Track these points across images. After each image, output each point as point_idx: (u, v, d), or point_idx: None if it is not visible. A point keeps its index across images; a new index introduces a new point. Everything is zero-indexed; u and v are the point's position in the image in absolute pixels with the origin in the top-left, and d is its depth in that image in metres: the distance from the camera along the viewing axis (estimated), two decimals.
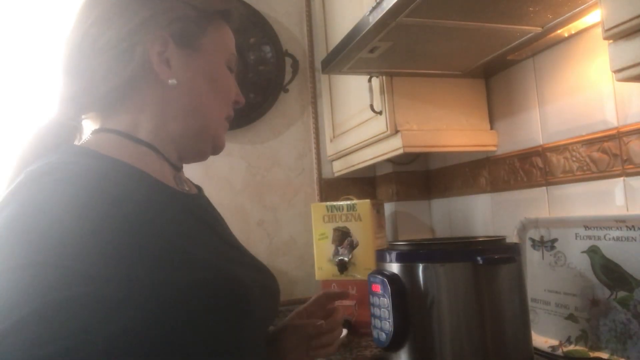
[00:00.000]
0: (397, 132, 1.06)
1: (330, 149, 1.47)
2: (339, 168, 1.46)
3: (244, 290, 0.52)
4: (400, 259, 0.76)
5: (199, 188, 0.74)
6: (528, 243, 1.03)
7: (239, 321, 0.51)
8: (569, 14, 0.81)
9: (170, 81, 0.58)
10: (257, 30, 1.44)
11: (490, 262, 0.70)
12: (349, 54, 0.90)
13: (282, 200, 1.47)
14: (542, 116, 1.00)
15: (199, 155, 0.66)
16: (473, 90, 1.15)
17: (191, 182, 0.72)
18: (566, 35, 0.89)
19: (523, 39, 0.89)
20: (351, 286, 1.23)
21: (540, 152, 1.01)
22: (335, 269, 1.23)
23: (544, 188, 1.00)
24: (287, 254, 1.45)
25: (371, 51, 0.89)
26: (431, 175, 1.44)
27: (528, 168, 1.04)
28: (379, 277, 0.76)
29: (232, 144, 1.43)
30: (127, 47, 0.57)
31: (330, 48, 1.40)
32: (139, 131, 0.59)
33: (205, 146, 0.65)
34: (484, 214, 1.20)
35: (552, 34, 0.88)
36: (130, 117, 0.59)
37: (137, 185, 0.53)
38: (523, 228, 1.04)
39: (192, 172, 1.40)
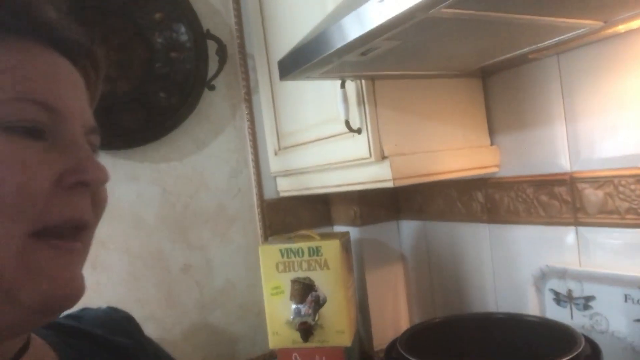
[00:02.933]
0: (384, 158, 0.79)
1: (274, 164, 1.16)
2: (287, 187, 1.16)
3: None
4: None
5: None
6: (548, 295, 0.84)
7: None
8: None
9: None
10: (164, 1, 1.05)
11: None
12: (330, 58, 0.60)
13: (213, 234, 1.13)
14: (571, 134, 0.79)
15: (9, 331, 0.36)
16: (469, 93, 0.91)
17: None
18: (622, 30, 0.67)
19: (570, 34, 0.65)
20: (319, 356, 0.96)
21: (567, 181, 0.80)
22: (296, 335, 0.95)
23: (573, 228, 0.80)
24: (223, 305, 1.14)
25: (364, 53, 0.60)
26: (400, 191, 1.19)
27: (548, 200, 0.83)
28: None
29: (139, 164, 1.06)
30: None
31: (269, 23, 1.07)
32: None
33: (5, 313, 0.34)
34: (478, 249, 0.99)
35: (608, 30, 0.66)
36: None
37: None
38: (542, 276, 0.84)
39: None
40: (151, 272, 1.06)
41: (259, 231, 1.18)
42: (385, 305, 1.18)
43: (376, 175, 0.81)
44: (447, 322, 0.74)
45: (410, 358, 0.55)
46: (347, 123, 0.79)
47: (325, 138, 0.91)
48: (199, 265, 1.11)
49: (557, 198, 0.82)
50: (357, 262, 1.17)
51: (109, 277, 1.01)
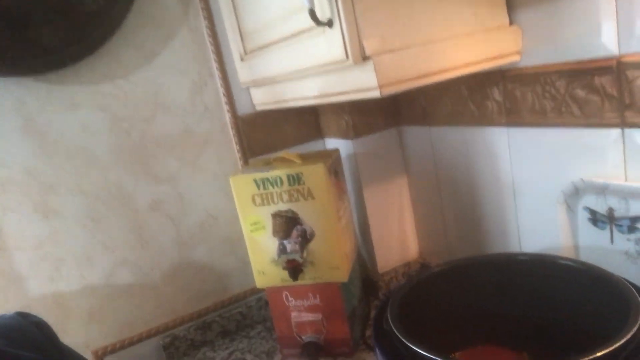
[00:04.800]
0: (365, 59, 0.61)
1: (242, 72, 0.98)
2: (263, 100, 0.99)
3: None
4: None
5: None
6: (582, 215, 0.70)
7: None
8: None
9: None
10: None
11: None
12: None
13: (181, 163, 1.00)
14: (621, 5, 0.58)
15: None
16: None
17: None
18: None
19: None
20: (312, 294, 0.86)
21: (613, 68, 0.61)
22: (284, 273, 0.85)
23: (618, 131, 0.63)
24: (205, 241, 1.04)
25: None
26: (401, 96, 1.01)
27: (585, 95, 0.65)
28: None
29: (77, 88, 0.89)
30: None
31: None
32: None
33: None
34: (495, 158, 0.83)
35: None
36: None
37: None
38: (575, 192, 0.69)
39: (16, 152, 0.86)
40: (115, 213, 0.95)
41: (236, 154, 1.04)
42: (390, 225, 1.07)
43: (358, 83, 0.64)
44: (452, 271, 0.61)
45: (399, 336, 0.42)
46: (313, 13, 0.60)
47: (291, 36, 0.72)
48: (170, 200, 0.99)
49: (598, 92, 0.64)
50: (353, 181, 1.04)
51: (66, 224, 0.91)
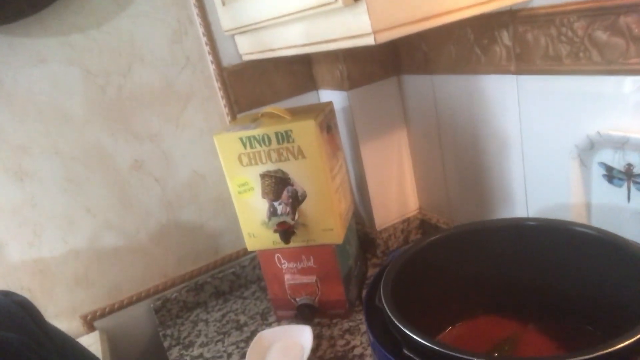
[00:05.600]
0: (357, 0, 0.53)
1: (225, 18, 0.89)
2: (249, 49, 0.91)
3: None
4: None
5: None
6: (597, 171, 0.64)
7: None
8: None
9: None
10: None
11: None
12: None
13: (164, 119, 0.93)
14: None
15: None
16: None
17: None
18: None
19: None
20: (305, 256, 0.82)
21: None
22: (275, 236, 0.80)
23: None
24: (194, 201, 0.99)
25: None
26: (401, 42, 0.93)
27: (607, 38, 0.58)
28: None
29: (44, 40, 0.81)
30: None
31: None
32: None
33: None
34: (502, 109, 0.77)
35: None
36: None
37: None
38: (590, 147, 0.63)
39: None
40: (95, 174, 0.89)
41: (223, 109, 0.97)
42: (388, 181, 1.01)
43: (350, 28, 0.56)
44: (453, 239, 0.56)
45: (391, 316, 0.38)
46: None
47: None
48: (153, 159, 0.93)
49: (623, 33, 0.56)
50: (349, 135, 0.98)
51: (43, 187, 0.85)
